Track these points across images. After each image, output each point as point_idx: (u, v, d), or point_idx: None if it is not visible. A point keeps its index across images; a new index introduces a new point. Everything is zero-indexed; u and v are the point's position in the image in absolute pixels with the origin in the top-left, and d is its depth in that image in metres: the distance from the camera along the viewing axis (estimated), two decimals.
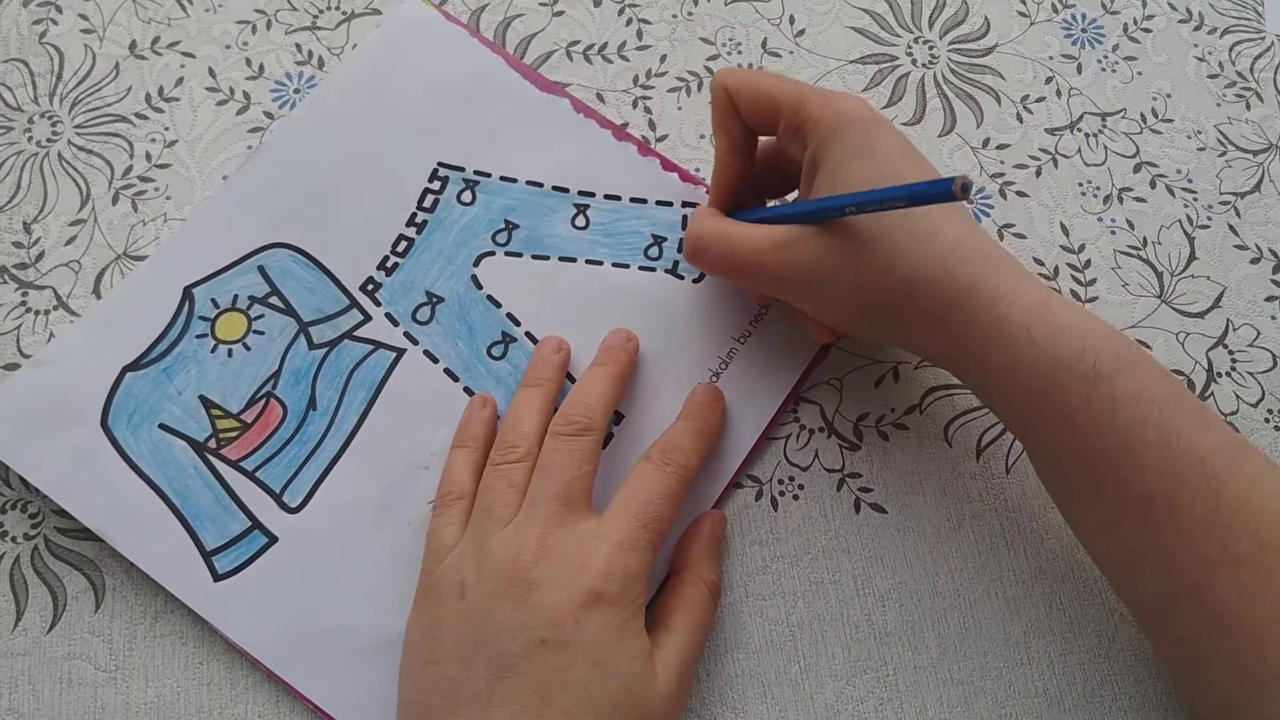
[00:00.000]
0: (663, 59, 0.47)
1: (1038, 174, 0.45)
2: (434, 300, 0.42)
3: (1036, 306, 0.31)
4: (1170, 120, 0.47)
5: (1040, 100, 0.47)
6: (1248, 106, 0.47)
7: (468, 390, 0.40)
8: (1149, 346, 0.42)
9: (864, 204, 0.31)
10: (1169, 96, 0.47)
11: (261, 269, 0.42)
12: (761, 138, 0.39)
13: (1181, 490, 0.29)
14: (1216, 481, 0.29)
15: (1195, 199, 0.45)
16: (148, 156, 0.44)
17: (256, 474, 0.39)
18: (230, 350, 0.41)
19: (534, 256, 0.43)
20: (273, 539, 0.38)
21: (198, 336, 0.41)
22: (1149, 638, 0.32)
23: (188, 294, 0.41)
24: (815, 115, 0.34)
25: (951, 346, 0.33)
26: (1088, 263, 0.44)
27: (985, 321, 0.32)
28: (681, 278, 0.42)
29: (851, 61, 0.47)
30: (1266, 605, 0.28)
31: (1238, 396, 0.42)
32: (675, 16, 0.48)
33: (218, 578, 0.38)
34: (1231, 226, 0.45)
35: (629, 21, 0.47)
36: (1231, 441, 0.30)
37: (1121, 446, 0.30)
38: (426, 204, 0.43)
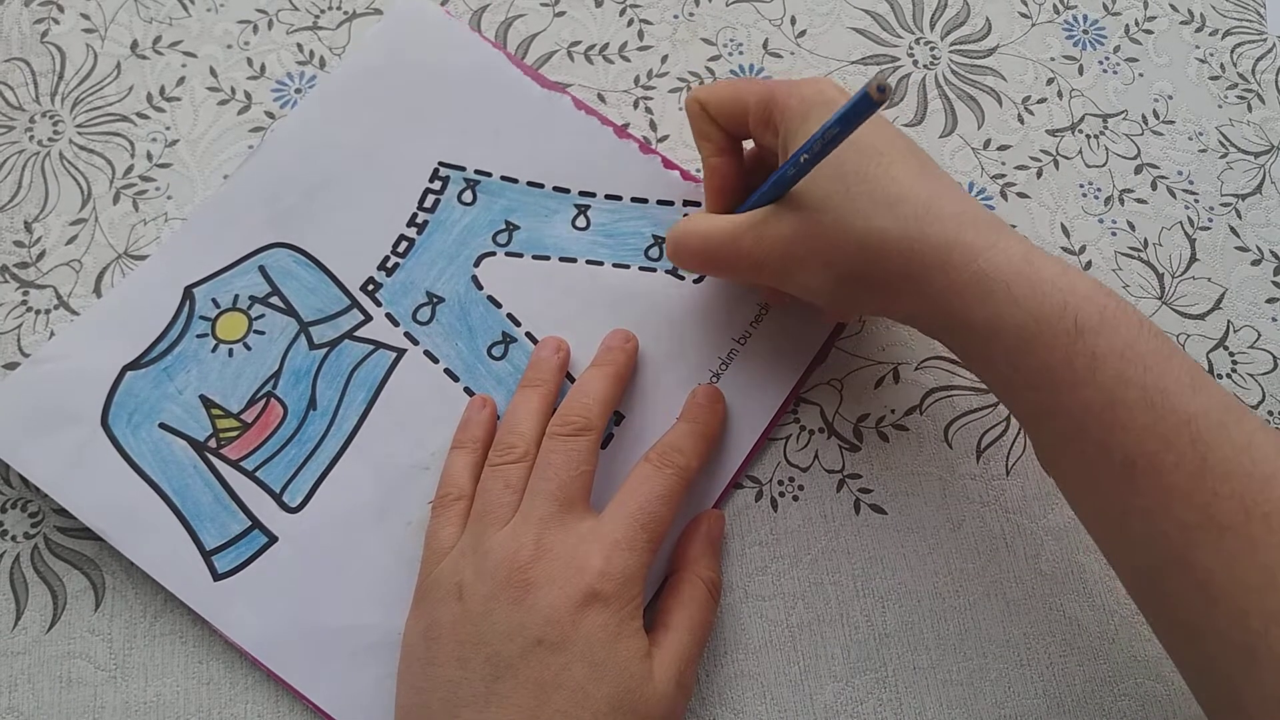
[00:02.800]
0: (664, 59, 0.47)
1: (1039, 175, 0.45)
2: (434, 300, 0.42)
3: (1016, 261, 0.31)
4: (1171, 122, 0.46)
5: (1041, 101, 0.47)
6: (1249, 108, 0.47)
7: (468, 390, 0.40)
8: None
9: (810, 148, 0.31)
10: (1170, 98, 0.47)
11: (262, 269, 0.42)
12: (747, 147, 0.39)
13: (1165, 453, 0.28)
14: (1202, 444, 0.28)
15: (1196, 200, 0.45)
16: (149, 156, 0.44)
17: (256, 474, 0.39)
18: (231, 350, 0.41)
19: (535, 257, 0.43)
20: (273, 539, 0.38)
21: (198, 336, 0.41)
22: (1144, 615, 0.31)
23: (188, 293, 0.41)
24: (782, 103, 0.34)
25: (933, 308, 0.32)
26: (1089, 264, 0.44)
27: (964, 279, 0.31)
28: (682, 278, 0.42)
29: (853, 62, 0.47)
30: (1251, 575, 0.27)
31: (1238, 398, 0.42)
32: (676, 17, 0.48)
33: (217, 577, 0.38)
34: (1232, 228, 0.45)
35: (630, 22, 0.47)
36: (1222, 403, 0.29)
37: (1103, 405, 0.29)
38: (427, 204, 0.43)
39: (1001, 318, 0.31)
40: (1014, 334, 0.30)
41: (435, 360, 0.41)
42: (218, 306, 0.41)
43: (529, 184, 0.44)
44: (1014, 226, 0.44)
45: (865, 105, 0.28)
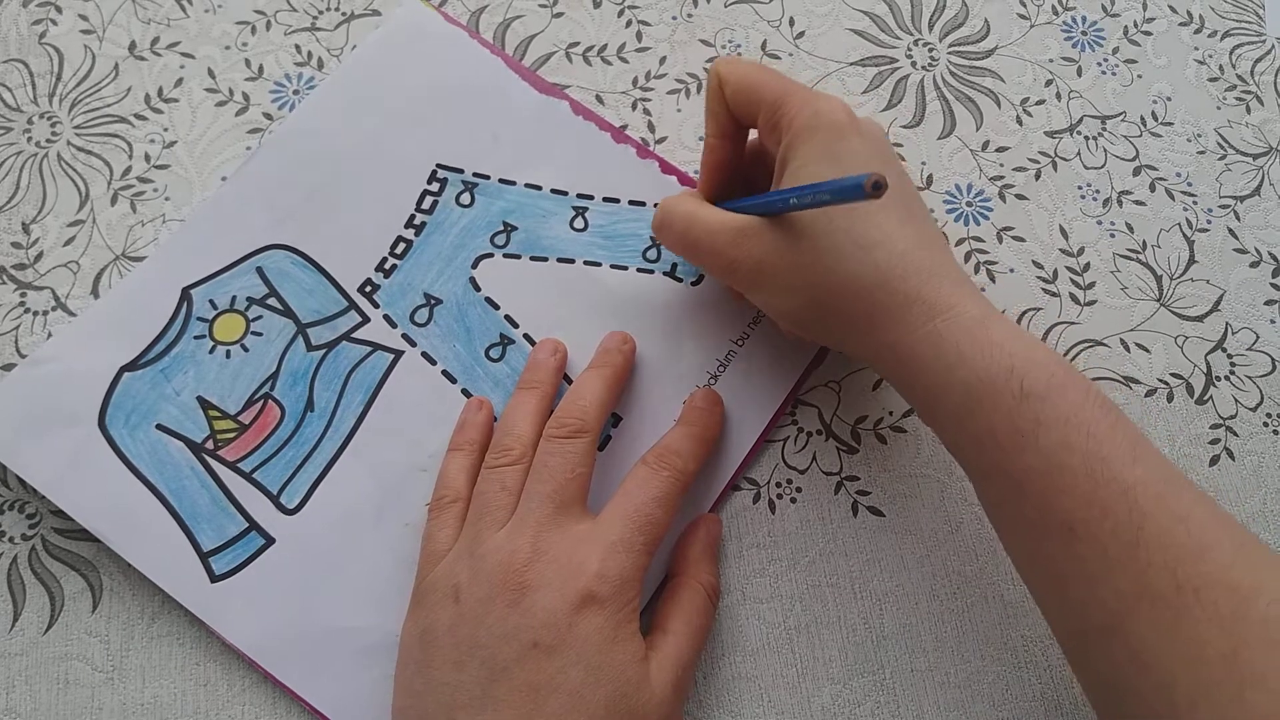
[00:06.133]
0: (662, 61, 0.47)
1: (1037, 177, 0.45)
2: (432, 302, 0.42)
3: (972, 324, 0.31)
4: (1170, 123, 0.46)
5: (1040, 103, 0.47)
6: (1248, 110, 0.47)
7: (465, 392, 0.40)
8: (1148, 350, 0.42)
9: (801, 197, 0.31)
10: (1169, 99, 0.47)
11: (260, 270, 0.42)
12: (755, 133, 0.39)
13: (1103, 520, 0.28)
14: (1139, 514, 0.28)
15: (1195, 202, 0.45)
16: (147, 157, 0.44)
17: (254, 475, 0.39)
18: (228, 351, 0.41)
19: (532, 258, 0.43)
20: (270, 540, 0.38)
21: (196, 337, 0.41)
22: (1073, 668, 0.31)
23: (186, 295, 0.41)
24: (792, 113, 0.34)
25: (886, 356, 0.33)
26: (1087, 266, 0.44)
27: (919, 335, 0.32)
28: (680, 280, 0.42)
29: (851, 64, 0.47)
30: (1179, 646, 0.27)
31: (1236, 400, 0.42)
32: (675, 18, 0.48)
33: (215, 579, 0.38)
34: (1231, 230, 0.45)
35: (629, 23, 0.47)
36: (1162, 474, 0.29)
37: (1045, 470, 0.29)
38: (425, 206, 0.43)
39: (950, 375, 0.31)
40: (961, 393, 0.31)
41: (433, 362, 0.41)
42: (215, 308, 0.41)
43: (527, 186, 0.44)
44: (1012, 228, 0.44)
45: (855, 194, 0.29)
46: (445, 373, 0.41)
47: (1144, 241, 0.44)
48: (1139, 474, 0.29)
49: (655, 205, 0.43)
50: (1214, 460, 0.41)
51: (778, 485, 0.40)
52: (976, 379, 0.30)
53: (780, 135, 0.35)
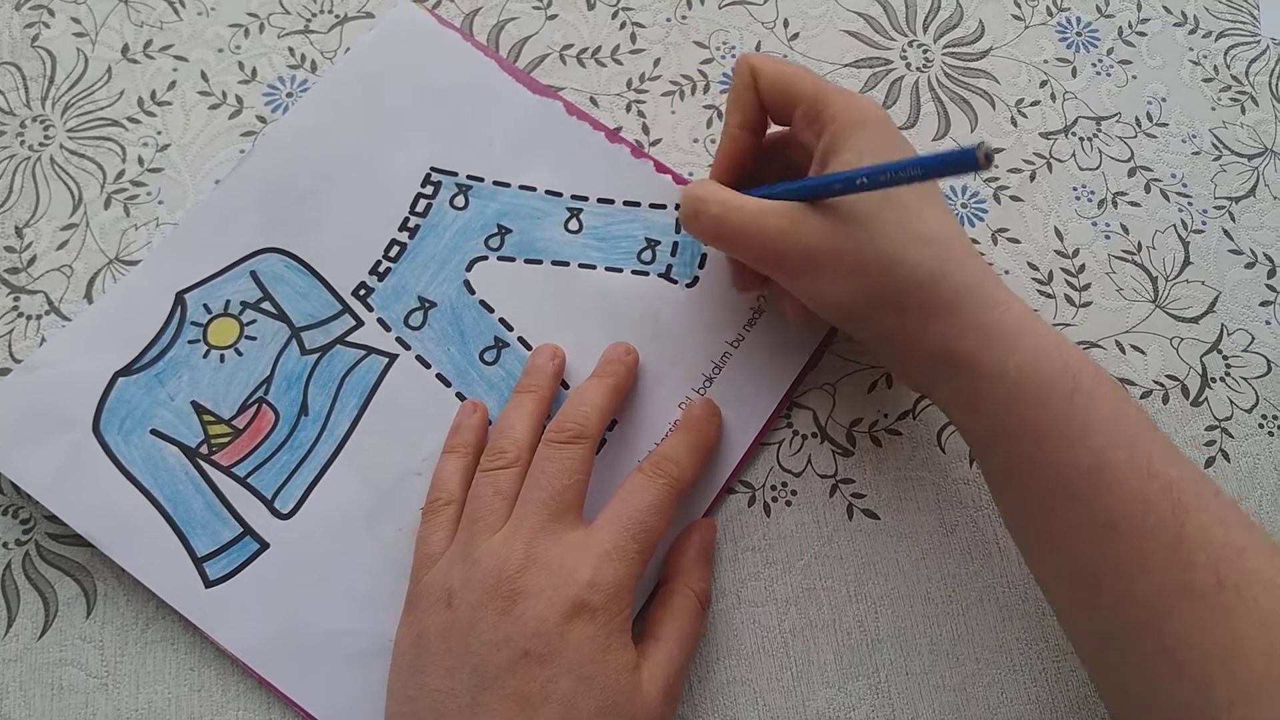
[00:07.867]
0: (656, 63, 0.47)
1: (1032, 178, 0.45)
2: (426, 305, 0.42)
3: (1026, 319, 0.32)
4: (1165, 124, 0.46)
5: (1035, 104, 0.47)
6: (1242, 110, 0.47)
7: (460, 396, 0.40)
8: (1143, 352, 0.42)
9: (877, 175, 0.31)
10: (1164, 100, 0.47)
11: (254, 274, 0.42)
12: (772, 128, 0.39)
13: (1147, 515, 0.29)
14: (1182, 510, 0.28)
15: (1190, 203, 0.45)
16: (140, 160, 0.44)
17: (248, 480, 0.39)
18: (222, 356, 0.41)
19: (527, 261, 0.42)
20: (264, 545, 0.38)
21: (190, 342, 0.41)
22: (1094, 672, 0.32)
23: (180, 299, 0.41)
24: (834, 108, 0.35)
25: (939, 347, 0.33)
26: (1082, 267, 0.44)
27: (976, 325, 0.32)
28: (675, 282, 0.42)
29: (846, 65, 0.47)
30: (1219, 643, 0.27)
31: (1232, 402, 0.42)
32: (669, 20, 0.47)
33: (209, 584, 0.38)
34: (1226, 231, 0.45)
35: (623, 25, 0.47)
36: (1198, 476, 0.30)
37: (1090, 466, 0.30)
38: (419, 208, 0.43)
39: (1005, 365, 0.31)
40: (1011, 384, 0.31)
41: (427, 365, 0.41)
42: (209, 312, 0.41)
43: (521, 188, 0.43)
44: (1007, 230, 0.44)
45: (966, 165, 0.28)
46: (440, 376, 0.41)
47: (1139, 243, 0.44)
48: (1177, 474, 0.29)
49: (650, 206, 0.43)
50: (1209, 462, 0.41)
51: (773, 488, 0.40)
52: (1032, 370, 0.31)
53: (821, 128, 0.35)
